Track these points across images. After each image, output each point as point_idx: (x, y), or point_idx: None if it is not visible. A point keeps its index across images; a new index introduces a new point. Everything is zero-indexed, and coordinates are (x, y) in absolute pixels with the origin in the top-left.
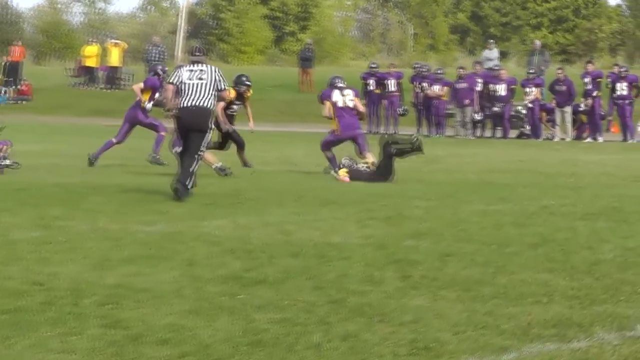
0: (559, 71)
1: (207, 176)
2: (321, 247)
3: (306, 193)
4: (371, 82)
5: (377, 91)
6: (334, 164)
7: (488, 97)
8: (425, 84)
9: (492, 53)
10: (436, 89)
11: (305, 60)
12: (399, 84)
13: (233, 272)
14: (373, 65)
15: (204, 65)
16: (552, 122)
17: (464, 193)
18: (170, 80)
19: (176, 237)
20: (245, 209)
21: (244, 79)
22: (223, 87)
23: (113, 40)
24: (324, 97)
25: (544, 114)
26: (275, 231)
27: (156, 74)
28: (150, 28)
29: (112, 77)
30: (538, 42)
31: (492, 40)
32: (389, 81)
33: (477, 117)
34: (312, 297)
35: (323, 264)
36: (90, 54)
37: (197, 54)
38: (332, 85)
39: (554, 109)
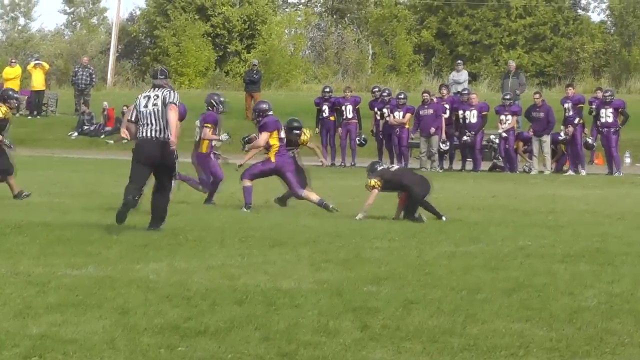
0: (536, 96)
1: (141, 213)
2: (270, 293)
3: (253, 232)
4: (325, 108)
5: (332, 118)
6: (248, 197)
7: (457, 125)
8: (385, 110)
9: (461, 75)
10: (398, 116)
11: (251, 84)
12: (356, 110)
13: (171, 322)
14: (327, 89)
15: (161, 89)
16: (529, 152)
17: (430, 232)
18: (129, 118)
19: (107, 282)
20: (184, 250)
21: (296, 124)
22: (169, 99)
23: (35, 62)
24: (274, 127)
25: (520, 143)
26: (218, 275)
27: (211, 105)
28: (78, 47)
29: (36, 102)
30: (512, 63)
31: (460, 61)
32: (345, 107)
33: (444, 147)
34: (260, 349)
35: (272, 312)
36: (10, 76)
37: (160, 77)
38: (270, 114)
39: (531, 138)
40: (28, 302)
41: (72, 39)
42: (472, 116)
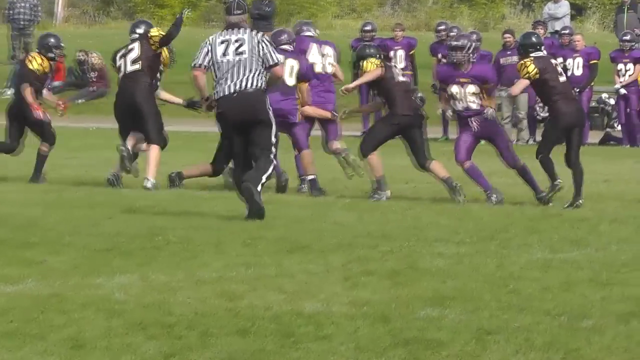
0: None
1: (105, 205)
2: (286, 320)
3: (263, 232)
4: None
5: None
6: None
7: None
8: None
9: (559, 7)
10: None
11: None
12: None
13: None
14: (368, 27)
15: (242, 30)
16: None
17: (516, 232)
18: (197, 62)
19: (54, 302)
20: (164, 257)
21: None
22: (272, 60)
23: None
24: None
25: None
26: (213, 293)
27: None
28: None
29: None
30: None
31: None
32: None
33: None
34: None
35: (289, 347)
36: None
37: (237, 12)
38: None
39: None
40: None
41: None
42: (575, 66)
